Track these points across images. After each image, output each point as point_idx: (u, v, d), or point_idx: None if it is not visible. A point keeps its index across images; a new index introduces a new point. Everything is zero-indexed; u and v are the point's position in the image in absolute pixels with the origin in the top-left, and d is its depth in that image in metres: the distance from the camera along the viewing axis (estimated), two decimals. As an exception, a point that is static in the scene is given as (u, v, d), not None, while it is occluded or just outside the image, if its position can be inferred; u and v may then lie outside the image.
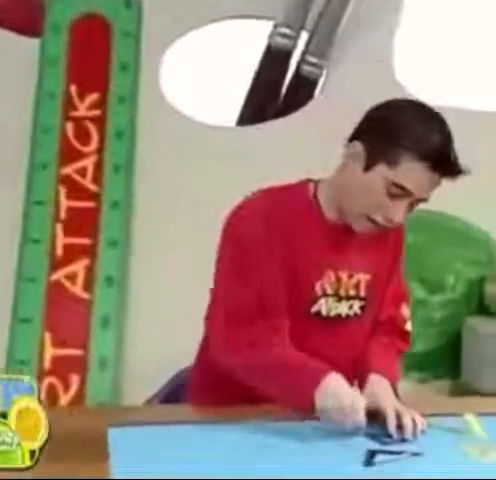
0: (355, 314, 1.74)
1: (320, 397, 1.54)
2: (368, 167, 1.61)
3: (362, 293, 1.74)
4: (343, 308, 1.72)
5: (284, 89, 3.70)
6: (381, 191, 1.59)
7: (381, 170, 1.59)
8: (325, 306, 1.70)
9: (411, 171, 1.57)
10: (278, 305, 1.66)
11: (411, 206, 1.62)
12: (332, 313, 1.71)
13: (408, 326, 1.85)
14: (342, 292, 1.71)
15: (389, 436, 1.51)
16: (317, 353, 1.64)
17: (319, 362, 1.62)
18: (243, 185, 3.92)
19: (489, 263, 3.59)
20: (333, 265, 1.70)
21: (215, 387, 1.73)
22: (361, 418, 1.51)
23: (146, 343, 3.43)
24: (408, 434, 1.52)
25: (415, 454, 1.44)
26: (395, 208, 1.60)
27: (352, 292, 1.72)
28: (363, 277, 1.74)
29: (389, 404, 1.59)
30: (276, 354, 1.63)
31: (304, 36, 3.66)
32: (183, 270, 3.52)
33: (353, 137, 1.65)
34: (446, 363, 3.50)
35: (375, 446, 1.47)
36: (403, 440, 1.51)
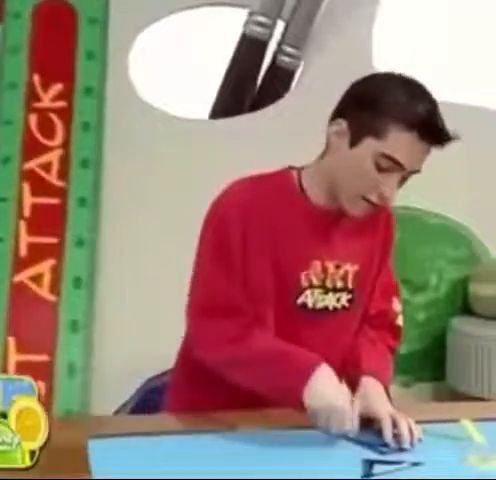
0: (343, 307, 1.69)
1: (309, 396, 1.48)
2: (354, 142, 1.57)
3: (350, 285, 1.69)
4: (330, 300, 1.67)
5: (260, 81, 3.58)
6: (371, 166, 1.56)
7: (369, 144, 1.56)
8: (311, 298, 1.66)
9: (400, 141, 1.54)
10: (263, 296, 1.62)
11: (403, 180, 1.59)
12: (318, 305, 1.66)
13: (399, 321, 1.80)
14: (329, 283, 1.67)
15: (385, 445, 1.45)
16: (303, 347, 1.60)
17: (307, 352, 1.56)
18: (217, 180, 3.81)
19: (472, 261, 3.53)
20: (319, 255, 1.65)
21: (197, 388, 1.69)
22: (349, 420, 1.45)
23: (117, 348, 3.31)
24: (406, 443, 1.47)
25: (415, 464, 1.39)
26: (387, 183, 1.57)
27: (339, 284, 1.68)
28: (351, 268, 1.69)
29: (384, 411, 1.52)
30: (261, 348, 1.58)
31: (281, 26, 3.55)
32: (155, 270, 3.41)
33: (335, 115, 1.62)
34: (430, 365, 3.43)
35: (372, 456, 1.42)
36: (400, 449, 1.46)
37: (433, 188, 3.20)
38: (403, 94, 1.56)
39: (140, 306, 3.36)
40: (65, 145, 3.39)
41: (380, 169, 1.55)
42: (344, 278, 1.69)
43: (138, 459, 1.38)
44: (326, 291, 1.67)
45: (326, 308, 1.68)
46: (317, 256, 1.66)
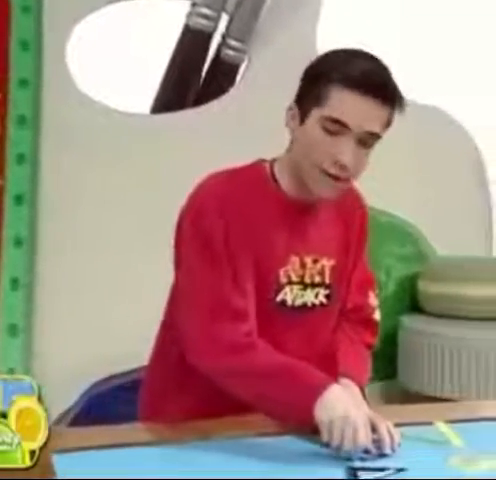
0: (321, 303, 1.65)
1: (321, 408, 1.43)
2: (303, 118, 1.57)
3: (327, 280, 1.65)
4: (309, 296, 1.63)
5: (204, 74, 3.49)
6: (320, 132, 1.54)
7: (315, 114, 1.55)
8: (290, 295, 1.61)
9: (341, 101, 1.52)
10: (248, 296, 1.57)
11: (363, 145, 1.54)
12: (297, 302, 1.62)
13: (376, 315, 1.78)
14: (307, 279, 1.63)
15: (366, 451, 1.40)
16: (282, 347, 1.57)
17: (315, 369, 1.51)
18: (158, 176, 3.73)
19: (419, 259, 3.53)
20: (297, 250, 1.61)
21: (178, 395, 1.63)
22: (364, 434, 1.39)
23: (58, 352, 3.20)
24: (387, 448, 1.42)
25: (400, 469, 1.36)
26: (341, 149, 1.52)
27: (317, 279, 1.65)
28: (327, 263, 1.65)
29: (360, 415, 1.46)
30: (267, 360, 1.52)
31: (225, 18, 3.46)
32: (96, 270, 3.31)
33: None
34: (379, 364, 3.39)
35: (354, 463, 1.37)
36: (380, 454, 1.41)
37: (380, 186, 3.19)
38: (341, 57, 1.57)
39: (82, 308, 3.26)
40: (0, 140, 3.25)
41: (330, 134, 1.52)
42: (321, 273, 1.64)
43: (110, 474, 1.29)
44: (305, 287, 1.62)
45: (305, 305, 1.63)
46: (295, 251, 1.61)
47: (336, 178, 1.54)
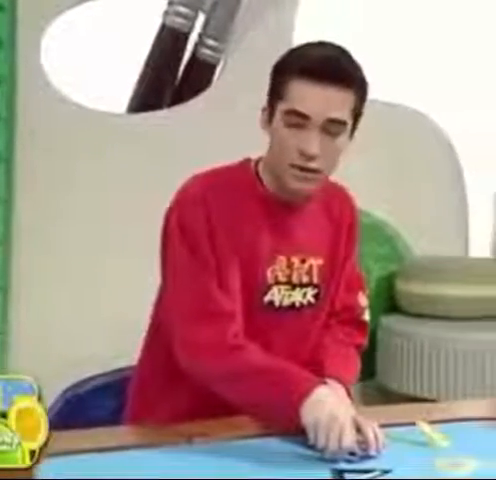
0: (309, 303, 1.63)
1: (307, 409, 1.41)
2: (271, 116, 1.56)
3: (315, 280, 1.63)
4: (297, 297, 1.62)
5: (180, 73, 3.46)
6: (284, 128, 1.53)
7: (279, 109, 1.54)
8: (278, 295, 1.59)
9: (298, 91, 1.51)
10: (233, 296, 1.56)
11: (328, 134, 1.52)
12: (285, 303, 1.60)
13: (365, 316, 1.77)
14: (295, 279, 1.62)
15: (351, 453, 1.39)
16: (271, 347, 1.57)
17: (305, 371, 1.50)
18: (133, 175, 3.69)
19: (397, 259, 3.52)
20: (284, 250, 1.59)
21: (166, 396, 1.62)
22: (349, 435, 1.38)
23: (33, 354, 3.11)
24: (372, 450, 1.40)
25: (386, 471, 1.35)
26: (304, 139, 1.51)
27: (305, 279, 1.63)
28: (315, 262, 1.63)
29: (347, 417, 1.45)
30: (257, 361, 1.50)
31: (202, 17, 3.44)
32: (71, 271, 3.27)
33: None
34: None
35: (339, 465, 1.36)
36: (367, 457, 1.40)
37: (356, 186, 3.18)
38: (299, 50, 1.57)
39: (55, 308, 3.21)
40: (-27, 139, 3.18)
41: (294, 127, 1.52)
42: (309, 273, 1.63)
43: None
44: (293, 287, 1.61)
45: (293, 305, 1.62)
46: (281, 251, 1.60)
47: (305, 169, 1.53)
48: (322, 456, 1.38)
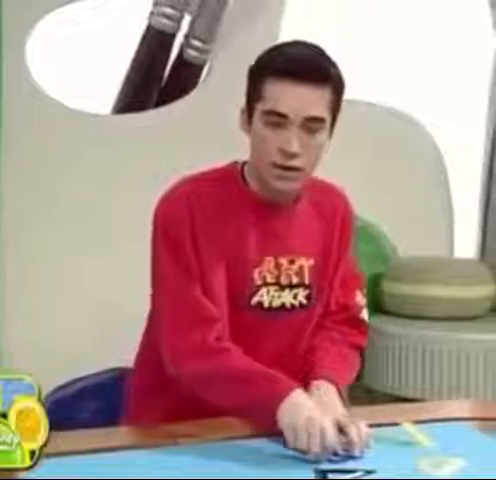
0: (301, 304, 1.62)
1: (285, 413, 1.41)
2: (250, 116, 1.57)
3: (306, 280, 1.62)
4: (287, 298, 1.61)
5: (166, 75, 3.46)
6: (263, 128, 1.54)
7: (257, 110, 1.55)
8: (266, 296, 1.59)
9: (275, 92, 1.52)
10: (217, 299, 1.56)
11: (308, 132, 1.53)
12: (275, 304, 1.59)
13: (364, 315, 1.74)
14: (284, 280, 1.61)
15: (334, 453, 1.38)
16: (263, 349, 1.57)
17: (284, 376, 1.48)
18: (118, 175, 3.68)
19: (382, 260, 3.52)
20: (271, 251, 1.59)
21: (159, 397, 1.62)
22: (331, 435, 1.37)
23: (17, 358, 3.11)
24: (356, 449, 1.40)
25: (369, 471, 1.34)
26: (284, 138, 1.52)
27: (295, 280, 1.61)
28: (306, 262, 1.62)
29: (325, 419, 1.43)
30: (239, 365, 1.51)
31: (188, 19, 3.43)
32: (55, 270, 3.27)
33: None
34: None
35: (322, 465, 1.36)
36: (350, 457, 1.39)
37: (340, 186, 3.17)
38: (274, 50, 1.57)
39: (39, 316, 3.21)
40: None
41: (273, 127, 1.53)
42: (299, 273, 1.62)
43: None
44: (282, 288, 1.60)
45: (283, 306, 1.61)
46: (269, 252, 1.59)
47: (287, 168, 1.54)
48: (305, 457, 1.38)
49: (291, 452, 1.40)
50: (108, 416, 1.82)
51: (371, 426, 1.48)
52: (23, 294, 3.21)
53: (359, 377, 3.30)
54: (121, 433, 1.55)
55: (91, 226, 3.30)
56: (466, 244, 3.99)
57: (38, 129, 3.28)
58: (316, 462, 1.36)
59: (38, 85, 3.32)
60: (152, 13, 3.34)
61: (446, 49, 3.91)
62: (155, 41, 3.36)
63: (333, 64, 1.56)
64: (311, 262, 1.63)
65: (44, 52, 3.37)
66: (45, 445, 1.25)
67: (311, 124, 1.52)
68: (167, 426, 1.49)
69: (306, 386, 1.54)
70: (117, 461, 1.36)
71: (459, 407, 1.99)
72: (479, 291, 3.42)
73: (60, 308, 3.22)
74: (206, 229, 1.55)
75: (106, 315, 3.24)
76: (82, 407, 2.37)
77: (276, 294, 1.60)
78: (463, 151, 4.01)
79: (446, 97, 3.95)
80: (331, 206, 1.69)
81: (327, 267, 1.66)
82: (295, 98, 1.51)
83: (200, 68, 3.48)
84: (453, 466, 1.37)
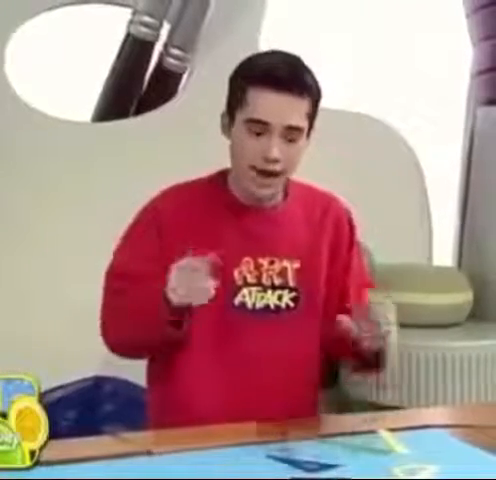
0: (287, 306, 1.64)
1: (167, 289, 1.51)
2: (231, 124, 1.62)
3: (291, 282, 1.64)
4: (270, 299, 1.63)
5: (146, 83, 3.44)
6: (245, 135, 1.58)
7: (238, 118, 1.60)
8: (249, 297, 1.62)
9: (256, 100, 1.57)
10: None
11: (288, 140, 1.58)
12: (259, 305, 1.62)
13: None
14: (265, 281, 1.63)
15: (309, 462, 1.41)
16: (252, 354, 1.59)
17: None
18: (98, 184, 3.65)
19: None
20: (251, 251, 1.63)
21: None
22: (204, 274, 1.47)
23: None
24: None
25: None
26: (264, 144, 1.56)
27: (278, 281, 1.64)
28: (289, 264, 1.65)
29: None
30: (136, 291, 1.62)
31: (167, 27, 3.43)
32: (27, 277, 3.23)
33: None
34: (322, 372, 3.38)
35: (298, 474, 1.38)
36: (326, 466, 1.40)
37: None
38: (254, 59, 1.63)
39: (14, 322, 3.14)
40: None
41: (255, 134, 1.57)
42: (282, 275, 1.64)
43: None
44: (264, 289, 1.63)
45: (267, 307, 1.63)
46: (248, 252, 1.63)
47: (268, 174, 1.58)
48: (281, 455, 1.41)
49: (266, 460, 1.41)
50: (82, 425, 1.82)
51: (347, 434, 1.50)
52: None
53: (335, 384, 3.31)
54: (96, 443, 1.55)
55: (68, 233, 3.28)
56: (444, 251, 4.00)
57: (17, 136, 3.25)
58: (291, 463, 1.39)
59: (17, 92, 3.29)
60: (131, 21, 3.32)
61: (422, 55, 3.95)
62: (134, 49, 3.35)
63: (312, 73, 1.61)
64: (296, 265, 1.66)
65: (23, 59, 3.35)
66: (45, 445, 1.26)
67: (290, 134, 1.57)
68: (141, 436, 1.51)
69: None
70: (90, 472, 1.36)
71: (436, 414, 2.02)
72: (457, 298, 3.44)
73: (40, 309, 3.19)
74: (174, 233, 1.62)
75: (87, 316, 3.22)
76: (58, 416, 2.37)
77: (259, 295, 1.63)
78: (442, 159, 4.03)
79: (423, 104, 3.99)
80: (321, 210, 1.72)
81: (317, 271, 1.69)
82: (276, 107, 1.56)
83: (179, 76, 3.47)
84: (428, 472, 1.38)
